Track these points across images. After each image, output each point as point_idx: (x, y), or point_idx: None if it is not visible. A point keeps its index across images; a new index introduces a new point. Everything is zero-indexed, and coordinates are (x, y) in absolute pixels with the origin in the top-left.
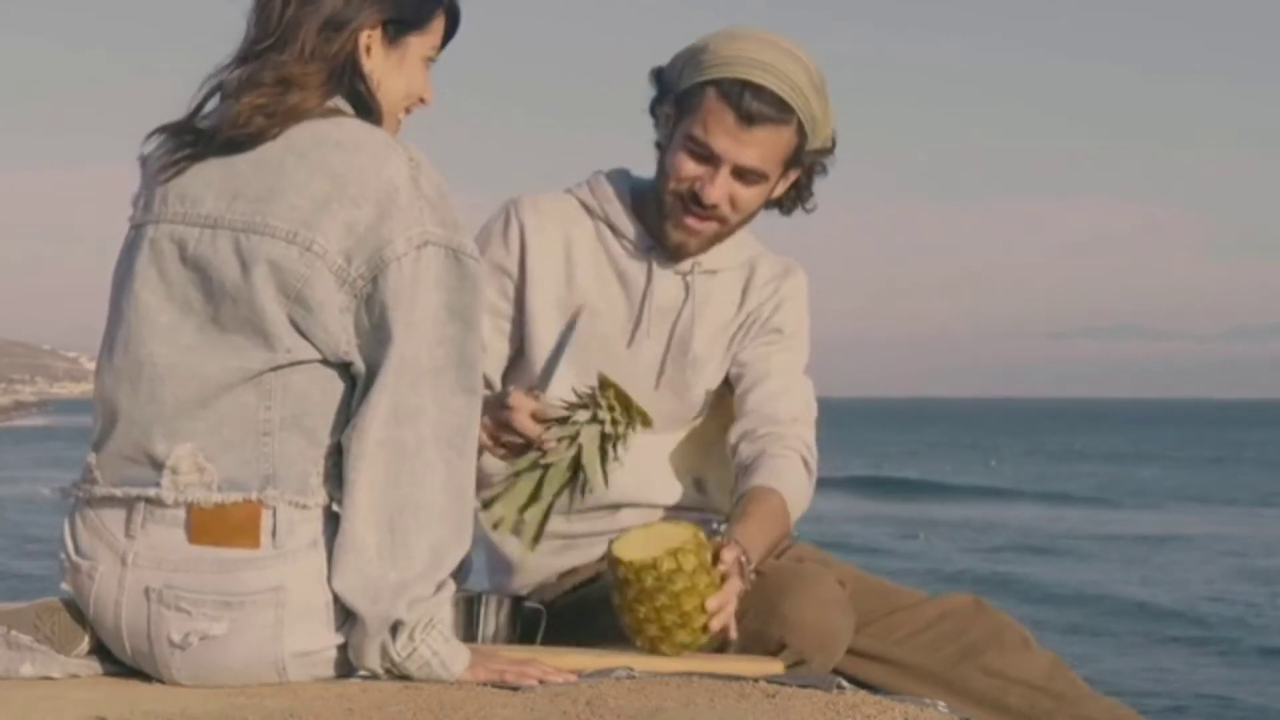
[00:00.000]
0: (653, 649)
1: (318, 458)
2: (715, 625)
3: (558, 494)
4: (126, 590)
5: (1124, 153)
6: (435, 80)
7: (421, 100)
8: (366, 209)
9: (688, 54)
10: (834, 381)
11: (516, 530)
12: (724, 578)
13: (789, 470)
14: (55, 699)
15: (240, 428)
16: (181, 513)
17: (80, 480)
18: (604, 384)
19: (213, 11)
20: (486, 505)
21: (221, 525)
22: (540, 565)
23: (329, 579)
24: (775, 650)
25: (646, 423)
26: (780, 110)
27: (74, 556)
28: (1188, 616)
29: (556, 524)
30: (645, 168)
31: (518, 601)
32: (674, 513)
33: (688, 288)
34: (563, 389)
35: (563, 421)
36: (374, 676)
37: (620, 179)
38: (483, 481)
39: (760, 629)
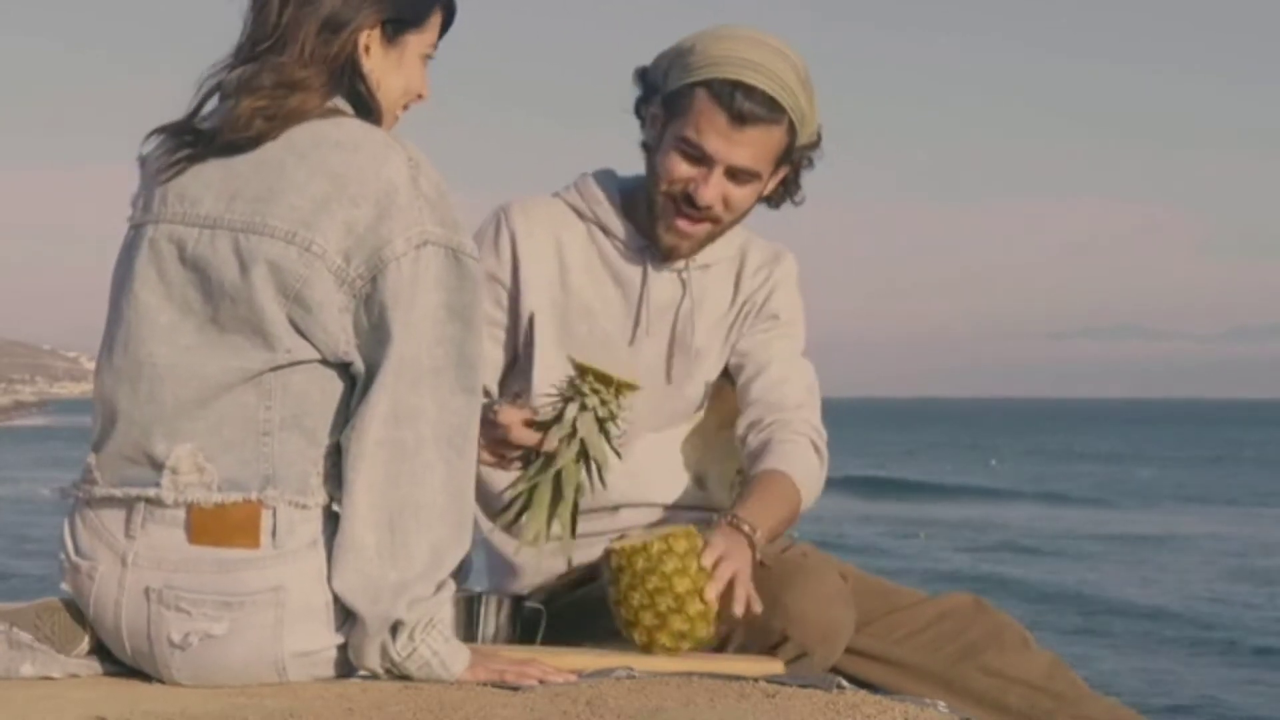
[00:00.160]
0: (650, 641)
1: (317, 458)
2: (710, 594)
3: (578, 488)
4: (126, 590)
5: (1124, 153)
6: (433, 78)
7: (419, 96)
8: (366, 209)
9: (673, 54)
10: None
11: (552, 536)
12: (707, 545)
13: (798, 454)
14: (55, 699)
15: (240, 428)
16: (181, 513)
17: (80, 480)
18: (580, 370)
19: (211, 10)
20: (510, 524)
21: (221, 525)
22: (540, 565)
23: (329, 579)
24: (777, 642)
25: (633, 388)
26: (772, 109)
27: (74, 557)
28: (1186, 617)
29: (555, 526)
30: (640, 167)
31: (518, 601)
32: (675, 510)
33: (684, 284)
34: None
35: (556, 419)
36: (374, 676)
37: (607, 180)
38: (490, 499)
39: (762, 621)
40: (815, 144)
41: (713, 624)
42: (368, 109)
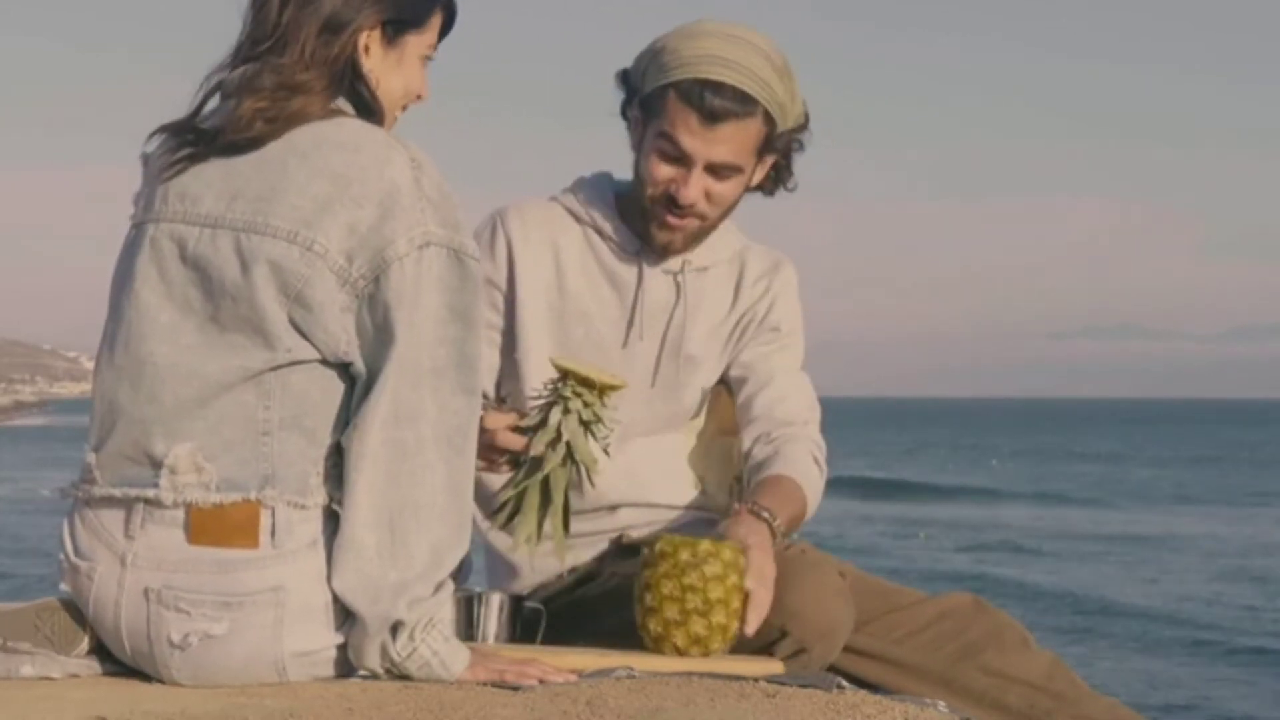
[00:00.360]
0: (663, 635)
1: (317, 458)
2: (750, 627)
3: (566, 491)
4: (126, 591)
5: (1124, 153)
6: (433, 78)
7: (418, 97)
8: (369, 209)
9: (649, 55)
10: (834, 381)
11: (543, 539)
12: (746, 555)
13: (802, 465)
14: (55, 699)
15: (239, 427)
16: (180, 513)
17: (79, 480)
18: (562, 373)
19: (211, 10)
20: (502, 527)
21: (220, 525)
22: (540, 565)
23: (329, 579)
24: (775, 638)
25: (617, 386)
26: (743, 103)
27: (73, 558)
28: (1185, 618)
29: (546, 528)
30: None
31: (518, 601)
32: (673, 513)
33: (679, 287)
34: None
35: (541, 424)
36: (374, 676)
37: (603, 183)
38: (488, 500)
39: None
40: (802, 128)
41: (728, 643)
42: (369, 109)
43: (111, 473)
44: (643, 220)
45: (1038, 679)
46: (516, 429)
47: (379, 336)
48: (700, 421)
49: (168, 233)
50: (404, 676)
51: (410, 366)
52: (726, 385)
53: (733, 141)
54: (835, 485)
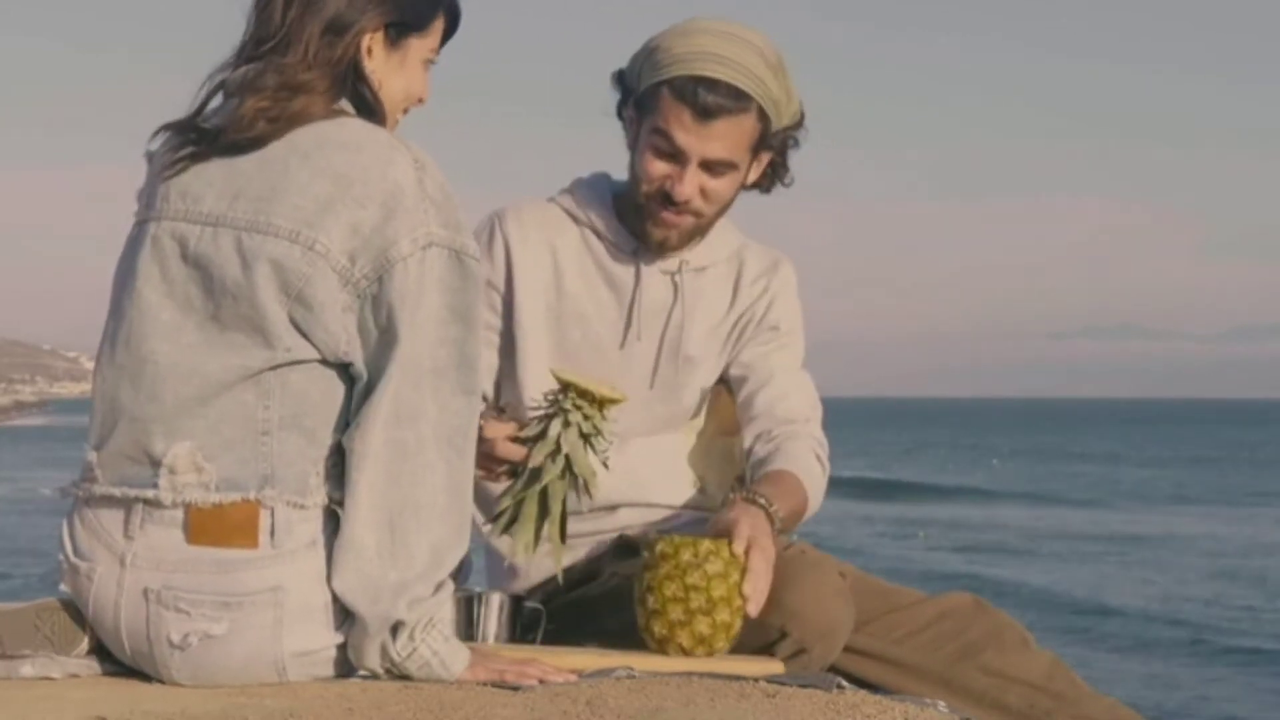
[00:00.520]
0: (667, 636)
1: (317, 458)
2: (748, 587)
3: (564, 501)
4: (125, 591)
5: (1124, 153)
6: (436, 78)
7: (419, 101)
8: (371, 210)
9: (644, 54)
10: (834, 381)
11: (540, 548)
12: (734, 526)
13: (804, 461)
14: (55, 699)
15: (239, 427)
16: (180, 513)
17: (80, 479)
18: (563, 384)
19: (211, 10)
20: (500, 535)
21: (220, 525)
22: (540, 565)
23: (328, 579)
24: (775, 639)
25: (618, 399)
26: (736, 99)
27: (72, 558)
28: (1184, 619)
29: (544, 537)
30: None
31: (518, 601)
32: (673, 512)
33: (676, 287)
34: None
35: (541, 435)
36: (374, 676)
37: (601, 183)
38: (488, 504)
39: (761, 618)
40: (798, 124)
41: (732, 640)
42: (371, 111)
43: (112, 472)
44: (638, 218)
45: (1038, 679)
46: (516, 439)
47: (381, 337)
48: (700, 421)
49: (169, 231)
50: (404, 676)
51: (411, 367)
52: (726, 385)
53: (727, 138)
54: (834, 485)
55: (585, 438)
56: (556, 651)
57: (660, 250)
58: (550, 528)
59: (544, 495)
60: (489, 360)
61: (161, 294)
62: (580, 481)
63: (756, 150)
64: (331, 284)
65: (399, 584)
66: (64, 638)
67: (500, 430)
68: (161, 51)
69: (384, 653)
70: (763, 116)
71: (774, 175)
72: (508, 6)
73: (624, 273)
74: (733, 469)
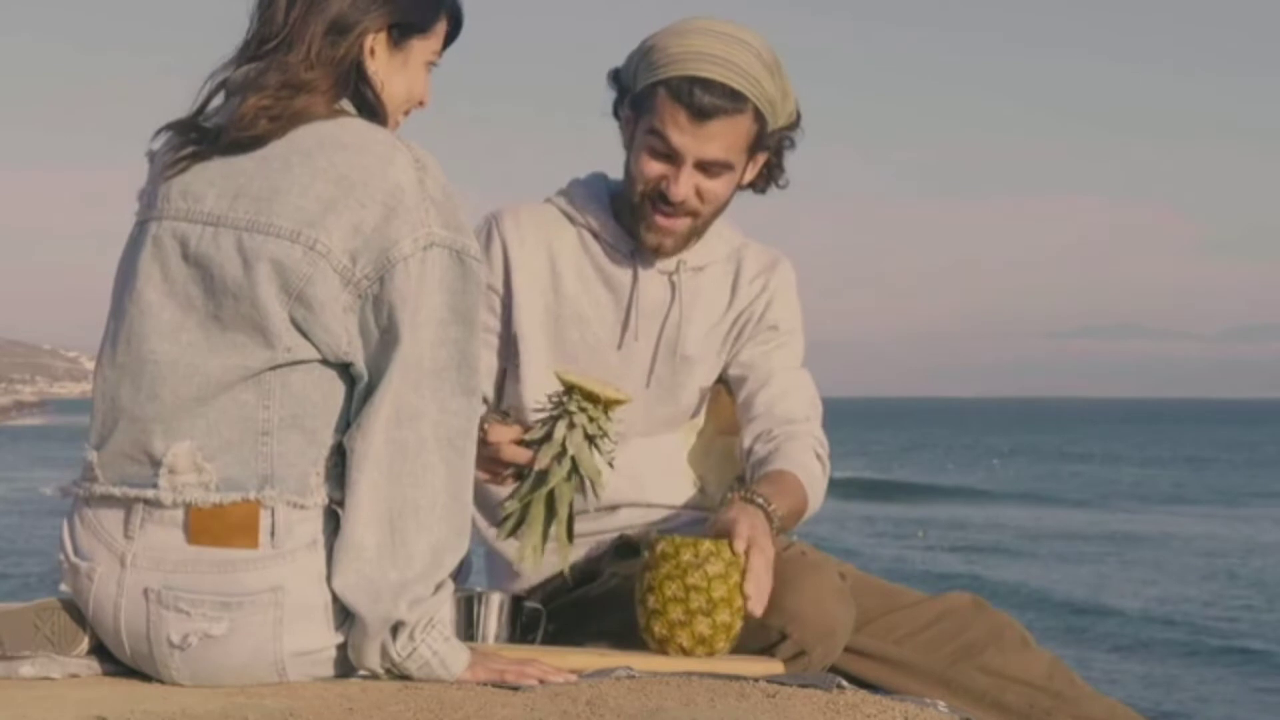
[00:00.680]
0: (668, 636)
1: (317, 458)
2: (749, 586)
3: (571, 503)
4: (125, 591)
5: (1123, 151)
6: (440, 78)
7: (421, 103)
8: (373, 210)
9: (639, 54)
10: (833, 381)
11: (545, 550)
12: (733, 525)
13: (804, 460)
14: (55, 699)
15: (239, 427)
16: (180, 513)
17: (80, 478)
18: (566, 386)
19: (212, 10)
20: (507, 538)
21: (220, 525)
22: (540, 565)
23: (328, 579)
24: (776, 641)
25: (621, 400)
26: (732, 100)
27: (73, 558)
28: (1183, 620)
29: (551, 538)
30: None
31: (518, 601)
32: (673, 512)
33: (674, 287)
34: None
35: (546, 438)
36: (374, 676)
37: (598, 184)
38: (490, 507)
39: (761, 620)
40: (793, 125)
41: (732, 641)
42: (372, 111)
43: (112, 471)
44: (634, 220)
45: (1038, 679)
46: (521, 442)
47: (382, 337)
48: (700, 421)
49: (170, 230)
50: (404, 676)
51: (412, 367)
52: (726, 384)
53: (723, 138)
54: (832, 486)
55: (590, 439)
56: (556, 651)
57: (656, 254)
58: (558, 529)
59: (550, 497)
60: (489, 362)
61: (162, 293)
62: (587, 483)
63: (752, 151)
64: (332, 284)
65: (399, 584)
66: (64, 638)
67: (505, 434)
68: (162, 52)
69: (384, 653)
70: (758, 117)
71: (769, 176)
72: (505, 6)
73: (621, 273)
74: (733, 469)
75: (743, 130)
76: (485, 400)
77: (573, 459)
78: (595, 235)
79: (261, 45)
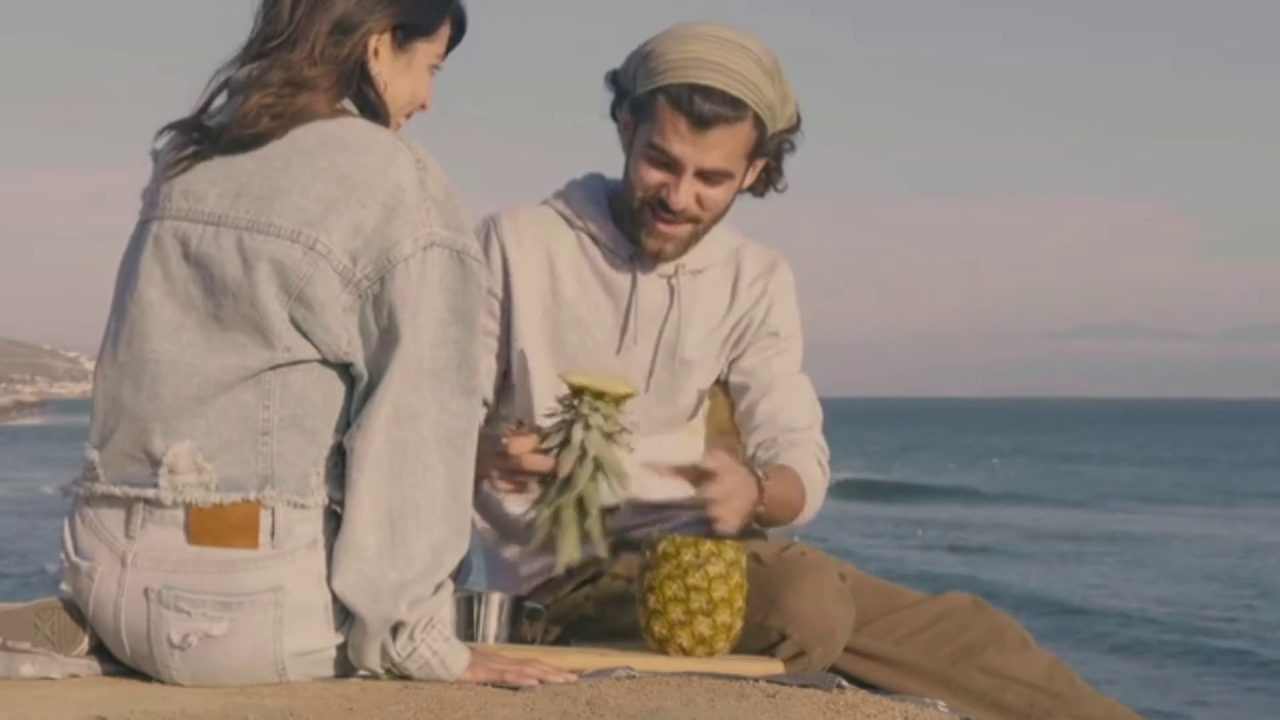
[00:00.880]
0: (668, 636)
1: (318, 458)
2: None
3: (600, 501)
4: (126, 591)
5: (1123, 151)
6: (441, 78)
7: (423, 106)
8: (373, 210)
9: (638, 59)
10: (832, 381)
11: (586, 552)
12: (714, 479)
13: (806, 464)
14: (55, 699)
15: (239, 427)
16: (180, 513)
17: (81, 478)
18: (575, 388)
19: (212, 10)
20: (540, 547)
21: (221, 525)
22: (540, 566)
23: (328, 579)
24: (776, 641)
25: (631, 393)
26: (733, 108)
27: (73, 557)
28: (1182, 621)
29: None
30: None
31: (518, 601)
32: (673, 512)
33: (673, 290)
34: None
35: (565, 443)
36: (374, 676)
37: (595, 185)
38: (486, 506)
39: (761, 621)
40: (793, 128)
41: (732, 641)
42: (374, 112)
43: (113, 471)
44: (634, 225)
45: (1037, 679)
46: (540, 450)
47: (382, 337)
48: (698, 422)
49: (171, 230)
50: (404, 676)
51: (412, 367)
52: (724, 387)
53: (723, 146)
54: (832, 486)
55: (608, 436)
56: (556, 651)
57: (656, 259)
58: (591, 526)
59: (580, 501)
60: (489, 366)
61: (163, 293)
62: (613, 480)
63: (752, 157)
64: (333, 284)
65: (399, 584)
66: (64, 638)
67: (524, 444)
68: (162, 52)
69: (384, 653)
70: (758, 124)
71: (768, 180)
72: (504, 6)
73: (620, 276)
74: None
75: (742, 137)
76: (485, 403)
77: (595, 459)
78: (594, 238)
79: (266, 43)
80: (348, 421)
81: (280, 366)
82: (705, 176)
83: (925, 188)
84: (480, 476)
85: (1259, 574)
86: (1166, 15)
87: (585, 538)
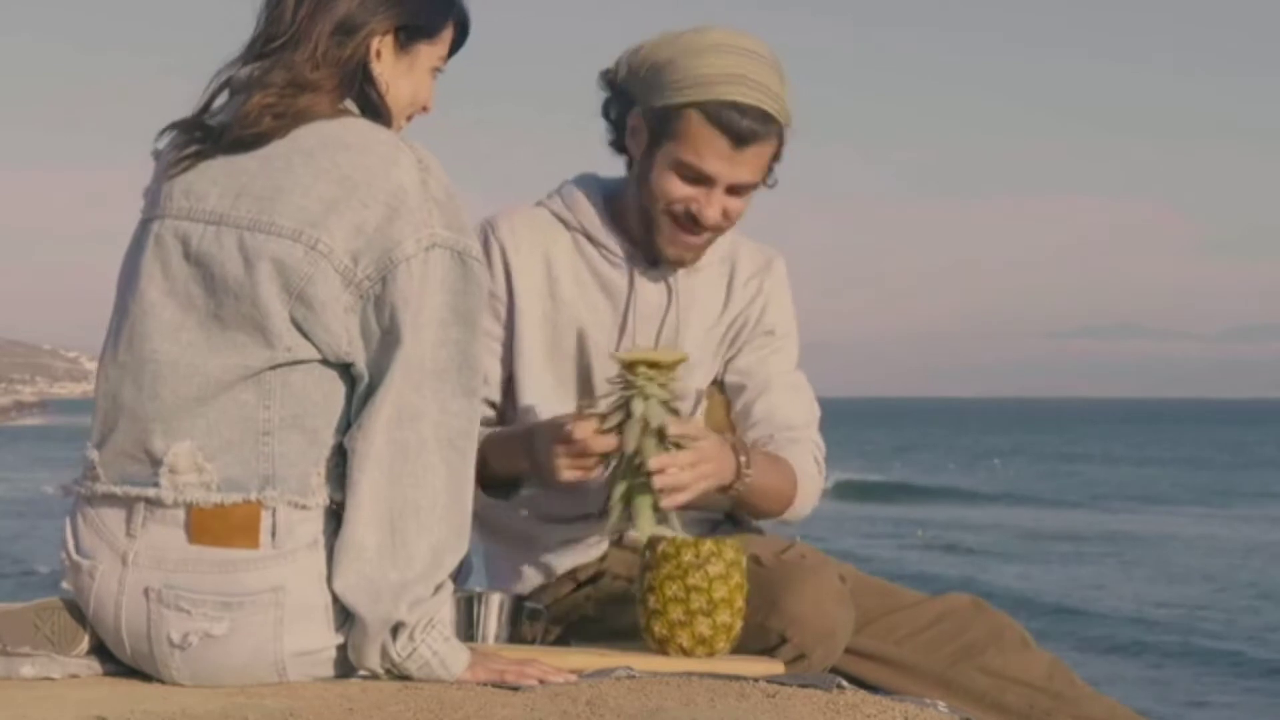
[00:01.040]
0: (668, 637)
1: (319, 458)
2: (662, 478)
3: None
4: (127, 590)
5: (1123, 151)
6: (442, 79)
7: (424, 109)
8: (375, 210)
9: (648, 67)
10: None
11: (660, 526)
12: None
13: (803, 463)
14: (55, 699)
15: (239, 427)
16: (181, 513)
17: (82, 477)
18: (629, 363)
19: (213, 10)
20: (615, 526)
21: (221, 525)
22: (540, 565)
23: (329, 579)
24: (776, 644)
25: (683, 358)
26: (767, 123)
27: (74, 555)
28: (1182, 622)
29: (556, 528)
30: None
31: (518, 601)
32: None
33: (670, 290)
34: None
35: (628, 418)
36: (374, 676)
37: (591, 186)
38: (489, 512)
39: (761, 623)
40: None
41: (733, 642)
42: (376, 113)
43: (114, 470)
44: (644, 230)
45: (1037, 679)
46: (602, 431)
47: (384, 338)
48: (697, 420)
49: (172, 229)
50: (404, 677)
51: (413, 368)
52: (720, 386)
53: (756, 161)
54: (830, 487)
55: (666, 404)
56: (556, 651)
57: (673, 266)
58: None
59: (650, 473)
60: (493, 370)
61: (163, 292)
62: (676, 447)
63: (772, 165)
64: (334, 284)
65: (399, 584)
66: (64, 637)
67: (587, 428)
68: (162, 52)
69: (384, 653)
70: (780, 133)
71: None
72: (503, 5)
73: (618, 277)
74: None
75: (770, 149)
76: (494, 406)
77: (659, 430)
78: (590, 239)
79: (268, 43)
80: (348, 422)
81: (281, 366)
82: (734, 190)
83: (925, 188)
84: (548, 472)
85: (1258, 574)
86: (1166, 15)
87: (659, 512)
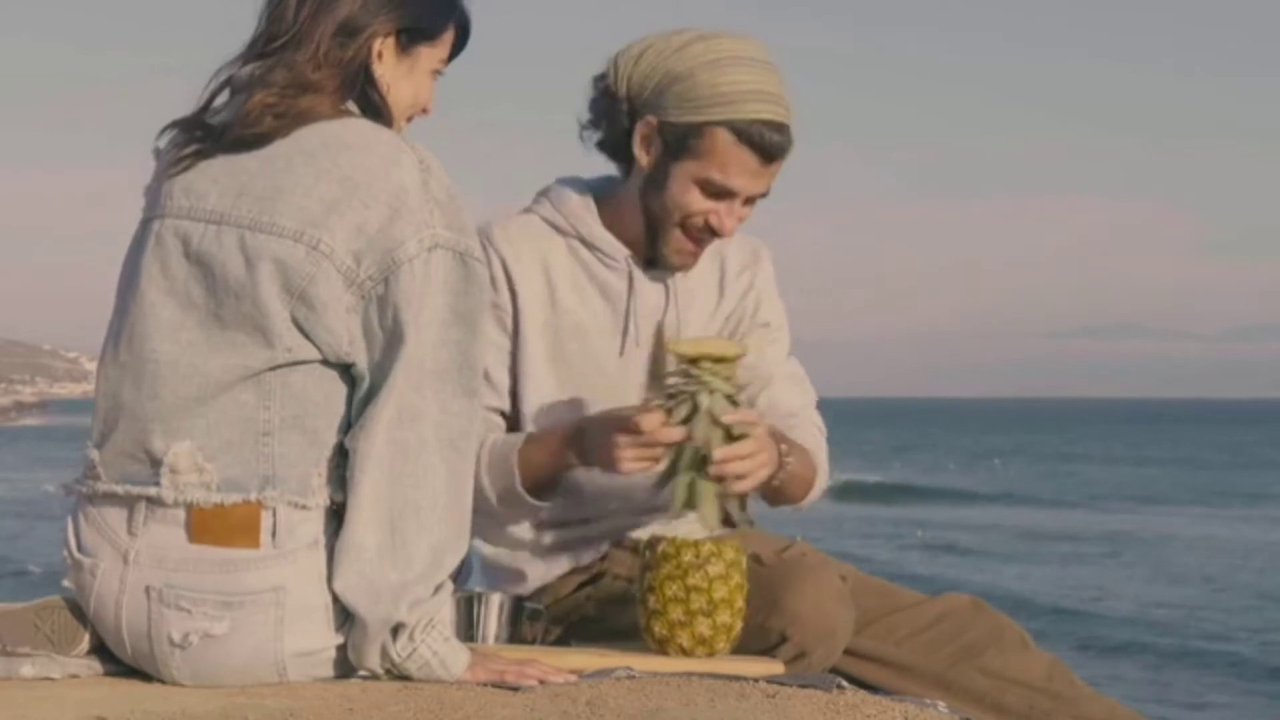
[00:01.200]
0: (668, 637)
1: (319, 458)
2: (727, 467)
3: None
4: (127, 589)
5: (1123, 151)
6: (442, 81)
7: (424, 111)
8: (377, 210)
9: (661, 78)
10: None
11: (728, 519)
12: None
13: (813, 442)
14: (55, 699)
15: (239, 427)
16: (182, 512)
17: (82, 476)
18: (689, 358)
19: (213, 10)
20: (677, 517)
21: (222, 525)
22: (540, 566)
23: (329, 579)
24: (776, 643)
25: (743, 353)
26: (788, 136)
27: (76, 554)
28: (1180, 622)
29: (557, 530)
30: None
31: (518, 601)
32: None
33: (668, 289)
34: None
35: (694, 411)
36: (374, 677)
37: (579, 188)
38: (488, 512)
39: (762, 622)
40: None
41: (732, 643)
42: (377, 114)
43: (114, 470)
44: (648, 236)
45: (1037, 680)
46: (669, 424)
47: (386, 338)
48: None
49: (172, 229)
50: (404, 677)
51: (414, 368)
52: None
53: (776, 172)
54: (830, 487)
55: (729, 397)
56: (556, 651)
57: (676, 270)
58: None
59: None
60: (503, 380)
61: (163, 292)
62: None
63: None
64: (336, 284)
65: (399, 585)
66: (64, 637)
67: (654, 420)
68: (162, 52)
69: (384, 653)
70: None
71: None
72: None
73: (616, 280)
74: None
75: (787, 160)
76: (504, 415)
77: (721, 422)
78: (585, 243)
79: (269, 43)
80: (348, 422)
81: (281, 367)
82: (749, 200)
83: (925, 188)
84: (608, 464)
85: (1258, 575)
86: (1166, 15)
87: (726, 503)
